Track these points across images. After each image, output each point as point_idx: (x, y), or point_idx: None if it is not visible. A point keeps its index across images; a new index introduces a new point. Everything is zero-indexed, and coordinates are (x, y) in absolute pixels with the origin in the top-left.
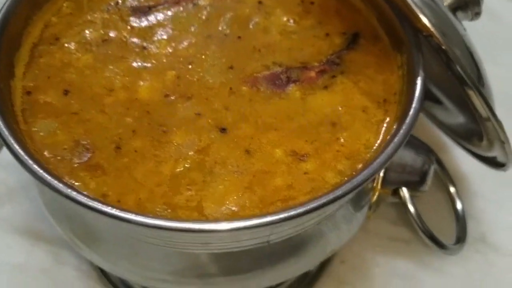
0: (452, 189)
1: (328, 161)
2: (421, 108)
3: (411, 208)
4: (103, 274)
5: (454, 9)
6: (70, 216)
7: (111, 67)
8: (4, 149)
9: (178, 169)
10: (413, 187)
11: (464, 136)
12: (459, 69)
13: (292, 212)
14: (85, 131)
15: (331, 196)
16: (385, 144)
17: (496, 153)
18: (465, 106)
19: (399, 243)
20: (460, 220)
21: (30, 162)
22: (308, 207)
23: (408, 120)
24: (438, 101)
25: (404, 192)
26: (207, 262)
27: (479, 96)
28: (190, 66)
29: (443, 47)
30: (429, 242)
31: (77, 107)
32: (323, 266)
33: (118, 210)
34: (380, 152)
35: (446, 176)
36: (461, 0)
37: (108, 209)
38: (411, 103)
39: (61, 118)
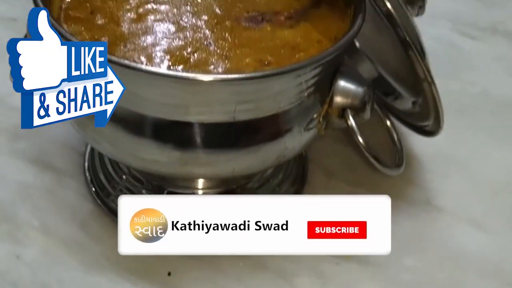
0: (388, 123)
1: None
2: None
3: (357, 132)
4: (98, 197)
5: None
6: None
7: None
8: None
9: (169, 63)
10: (356, 112)
11: (410, 114)
12: (403, 32)
13: (258, 74)
14: (103, 34)
15: (285, 68)
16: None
17: (430, 120)
18: (409, 83)
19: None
20: (398, 148)
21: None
22: (270, 72)
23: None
24: (393, 93)
25: (351, 119)
26: (188, 133)
27: (418, 57)
28: (188, 8)
29: (391, 11)
30: (375, 162)
31: (99, 22)
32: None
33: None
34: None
35: (383, 113)
36: None
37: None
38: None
39: (86, 25)
